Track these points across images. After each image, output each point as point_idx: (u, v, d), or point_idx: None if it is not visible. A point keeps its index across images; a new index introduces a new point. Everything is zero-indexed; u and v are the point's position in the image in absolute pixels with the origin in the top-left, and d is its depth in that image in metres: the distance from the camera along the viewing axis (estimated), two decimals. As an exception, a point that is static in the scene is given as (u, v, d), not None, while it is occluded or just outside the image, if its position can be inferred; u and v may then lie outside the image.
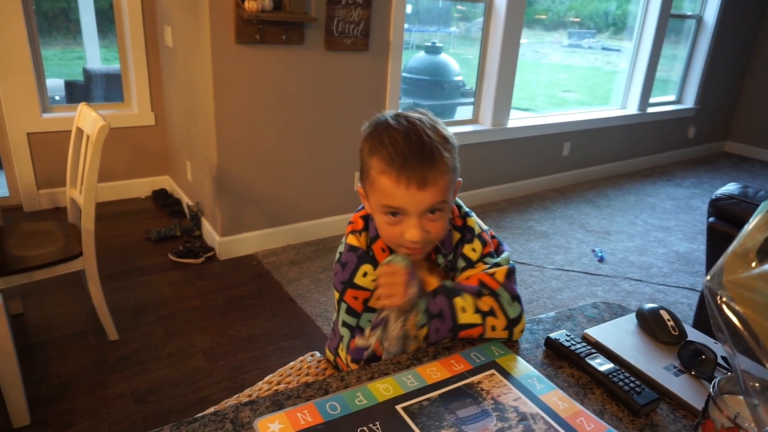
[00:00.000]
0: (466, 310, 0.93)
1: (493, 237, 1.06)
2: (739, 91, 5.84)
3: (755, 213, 0.57)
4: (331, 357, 1.14)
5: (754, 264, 0.54)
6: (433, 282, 1.01)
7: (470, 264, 1.01)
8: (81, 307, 2.36)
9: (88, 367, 2.01)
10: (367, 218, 1.02)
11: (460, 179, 0.97)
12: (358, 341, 0.96)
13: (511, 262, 1.00)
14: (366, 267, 0.98)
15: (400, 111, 0.95)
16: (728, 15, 5.13)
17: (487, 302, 0.94)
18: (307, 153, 3.00)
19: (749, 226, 0.56)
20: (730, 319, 0.54)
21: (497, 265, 0.99)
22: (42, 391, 1.88)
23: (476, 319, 0.93)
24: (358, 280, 0.99)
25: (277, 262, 2.91)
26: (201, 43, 2.62)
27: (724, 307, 0.54)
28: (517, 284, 0.99)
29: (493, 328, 0.94)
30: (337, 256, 1.04)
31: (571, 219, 3.81)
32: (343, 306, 1.01)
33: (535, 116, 4.42)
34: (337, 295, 1.03)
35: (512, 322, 0.95)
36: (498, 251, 1.04)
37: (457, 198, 1.03)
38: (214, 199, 2.86)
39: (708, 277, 0.57)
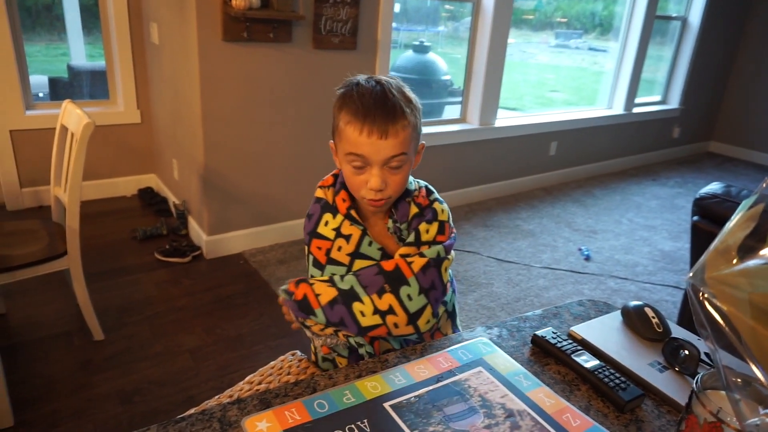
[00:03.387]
0: (365, 314, 0.97)
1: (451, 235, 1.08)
2: (722, 92, 5.92)
3: (736, 211, 0.58)
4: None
5: (735, 261, 0.55)
6: (390, 244, 1.07)
7: (418, 242, 1.03)
8: (65, 307, 2.33)
9: (72, 368, 1.99)
10: (336, 176, 1.10)
11: (423, 142, 1.06)
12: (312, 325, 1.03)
13: (440, 255, 1.01)
14: (327, 216, 1.07)
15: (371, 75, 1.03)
16: (713, 17, 5.20)
17: (386, 300, 0.97)
18: (295, 151, 2.99)
19: (730, 224, 0.57)
20: (712, 315, 0.55)
21: (422, 255, 1.01)
22: (26, 393, 1.85)
23: (376, 320, 0.97)
24: (321, 229, 1.07)
25: (265, 261, 2.89)
26: (188, 40, 2.60)
27: (706, 303, 0.55)
28: (441, 277, 1.00)
29: (396, 326, 0.97)
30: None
31: (557, 218, 3.83)
32: (311, 259, 1.09)
33: (522, 116, 4.44)
34: (306, 249, 1.10)
35: (413, 316, 0.97)
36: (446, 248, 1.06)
37: (430, 186, 1.10)
38: (201, 198, 2.84)
39: (690, 274, 0.58)
